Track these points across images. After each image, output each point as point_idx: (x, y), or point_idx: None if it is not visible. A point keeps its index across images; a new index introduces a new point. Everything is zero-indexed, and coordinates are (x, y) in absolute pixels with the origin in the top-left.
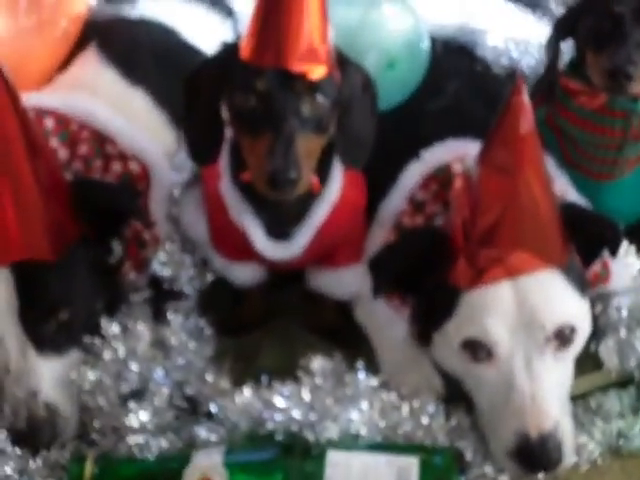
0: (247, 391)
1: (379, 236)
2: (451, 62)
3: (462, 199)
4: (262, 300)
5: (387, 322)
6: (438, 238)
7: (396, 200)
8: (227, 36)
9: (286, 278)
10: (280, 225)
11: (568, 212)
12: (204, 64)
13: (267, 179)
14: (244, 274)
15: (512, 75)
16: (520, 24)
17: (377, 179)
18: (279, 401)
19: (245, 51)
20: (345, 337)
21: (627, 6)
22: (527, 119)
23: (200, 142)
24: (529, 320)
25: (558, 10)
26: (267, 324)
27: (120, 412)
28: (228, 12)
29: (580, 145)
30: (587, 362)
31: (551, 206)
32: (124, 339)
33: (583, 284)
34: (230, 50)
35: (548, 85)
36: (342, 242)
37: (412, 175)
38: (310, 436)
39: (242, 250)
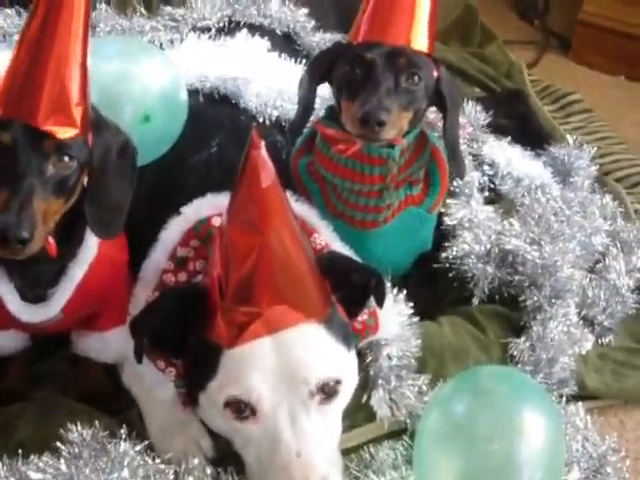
0: (2, 466)
1: (142, 295)
2: (214, 113)
3: (216, 255)
4: (24, 368)
5: (153, 385)
6: (197, 296)
7: (158, 257)
8: None
9: (51, 343)
10: (35, 287)
11: (330, 263)
12: None
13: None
14: (4, 341)
15: (280, 124)
16: (287, 73)
17: (140, 236)
18: (35, 475)
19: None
20: (111, 402)
21: (378, 53)
22: (267, 173)
23: None
24: (291, 375)
25: None
26: (29, 393)
27: None
28: None
29: (342, 193)
30: (359, 414)
31: (306, 258)
32: None
33: (347, 335)
34: None
35: (306, 134)
36: (105, 303)
37: (173, 231)
38: None
39: (0, 316)
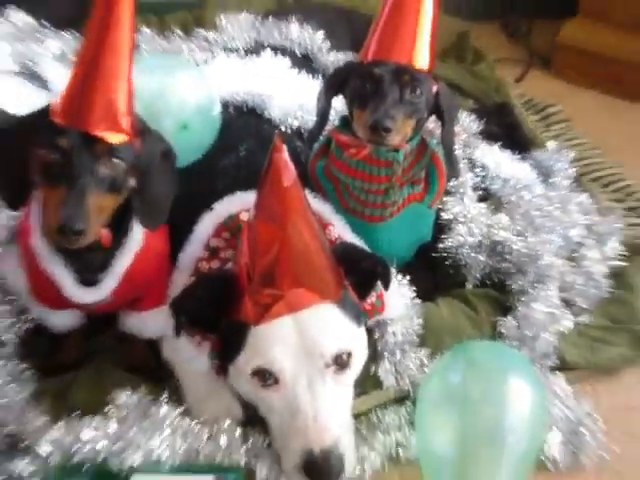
0: (60, 426)
1: (180, 281)
2: (242, 123)
3: (244, 245)
4: (79, 342)
5: (190, 357)
6: (228, 280)
7: (194, 247)
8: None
9: (101, 322)
10: (87, 273)
11: (343, 252)
12: (17, 122)
13: (56, 228)
14: (61, 320)
15: (299, 133)
16: (305, 88)
17: (179, 230)
18: (88, 434)
19: (55, 113)
20: (153, 373)
21: (385, 70)
22: (289, 174)
23: (12, 190)
24: (309, 348)
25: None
26: (83, 364)
27: None
28: (43, 84)
29: (353, 192)
30: (368, 382)
31: (322, 248)
32: None
33: (358, 314)
34: (40, 112)
35: (322, 141)
36: (148, 287)
37: (206, 225)
38: (115, 464)
39: (58, 298)
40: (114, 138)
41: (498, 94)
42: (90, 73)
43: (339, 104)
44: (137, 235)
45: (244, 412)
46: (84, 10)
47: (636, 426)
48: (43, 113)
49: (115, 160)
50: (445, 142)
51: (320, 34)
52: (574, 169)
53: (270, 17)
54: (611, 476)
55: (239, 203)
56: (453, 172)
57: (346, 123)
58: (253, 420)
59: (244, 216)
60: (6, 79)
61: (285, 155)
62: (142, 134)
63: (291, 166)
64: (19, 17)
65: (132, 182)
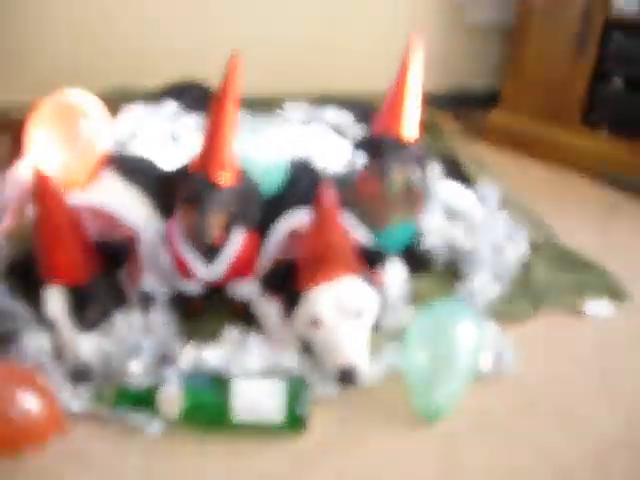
0: (193, 350)
1: (264, 264)
2: (300, 171)
3: (302, 243)
4: (202, 301)
5: (270, 310)
6: (293, 264)
7: (272, 245)
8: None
9: (215, 289)
10: (209, 260)
11: (359, 246)
12: (170, 173)
13: (193, 235)
14: (192, 288)
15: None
16: (335, 149)
17: (264, 232)
18: (209, 354)
19: (191, 167)
20: (249, 319)
21: (389, 140)
22: (329, 199)
23: (166, 210)
24: (342, 304)
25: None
26: (205, 314)
27: (125, 363)
28: (184, 147)
29: (368, 209)
30: (376, 326)
31: (349, 244)
32: (126, 325)
33: (372, 283)
34: (183, 167)
35: (350, 179)
36: (244, 268)
37: (281, 229)
38: (226, 372)
39: (190, 274)
40: (224, 180)
41: (450, 152)
42: (209, 140)
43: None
44: (237, 236)
45: (301, 343)
46: (208, 102)
47: (530, 351)
48: (184, 168)
49: (225, 193)
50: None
51: (345, 115)
52: (497, 196)
53: (314, 104)
54: (515, 381)
55: (300, 218)
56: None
57: (366, 167)
58: (306, 348)
59: (301, 226)
60: (160, 144)
61: (329, 189)
62: (241, 177)
63: (332, 195)
64: (171, 107)
65: (235, 205)
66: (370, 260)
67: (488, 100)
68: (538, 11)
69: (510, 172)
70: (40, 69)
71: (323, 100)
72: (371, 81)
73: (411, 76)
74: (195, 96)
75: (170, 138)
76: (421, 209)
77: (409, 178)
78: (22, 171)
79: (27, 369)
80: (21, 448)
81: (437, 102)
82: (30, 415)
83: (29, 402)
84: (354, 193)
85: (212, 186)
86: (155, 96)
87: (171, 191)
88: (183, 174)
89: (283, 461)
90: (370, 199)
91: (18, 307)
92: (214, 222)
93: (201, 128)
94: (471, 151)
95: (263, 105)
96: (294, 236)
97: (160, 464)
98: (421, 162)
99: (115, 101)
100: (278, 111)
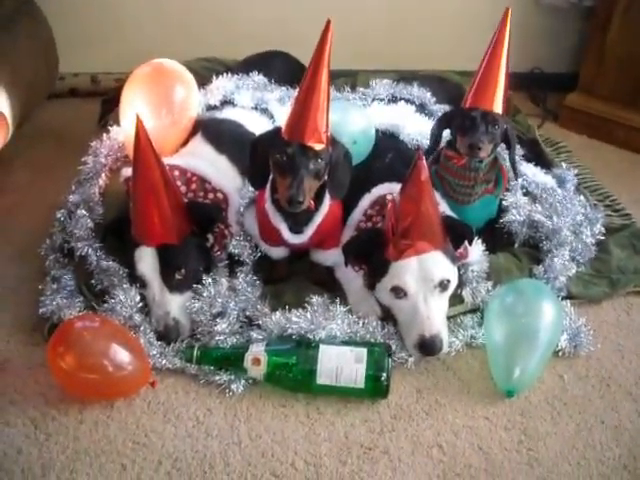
0: (278, 314)
1: (348, 233)
2: (387, 142)
3: (390, 214)
4: (286, 266)
5: (352, 278)
6: (379, 234)
7: (358, 214)
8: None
9: (299, 255)
10: (296, 225)
11: (446, 221)
12: (260, 136)
13: (286, 200)
14: (277, 252)
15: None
16: (422, 123)
17: (349, 202)
18: (294, 320)
19: (284, 132)
20: (331, 286)
21: (477, 113)
22: (424, 172)
23: (256, 177)
24: (426, 276)
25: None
26: (289, 279)
27: (211, 323)
28: (271, 117)
29: (452, 185)
30: (456, 299)
31: (438, 217)
32: (214, 286)
33: (454, 258)
34: (275, 130)
35: (434, 155)
36: (330, 235)
37: (365, 201)
38: (311, 337)
39: (277, 239)
40: (318, 147)
41: (529, 134)
42: (303, 105)
43: (446, 133)
44: (326, 204)
45: (383, 312)
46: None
47: (605, 332)
48: (277, 131)
49: (319, 160)
50: (510, 159)
51: (429, 93)
52: (576, 180)
53: (401, 81)
54: (591, 360)
55: (386, 189)
56: (514, 176)
57: (451, 144)
58: (388, 317)
59: (389, 197)
60: (248, 112)
61: (424, 162)
62: (333, 144)
63: (426, 168)
64: (257, 77)
65: (327, 172)
66: (454, 233)
67: (566, 82)
68: None
69: (587, 156)
70: (129, 42)
71: (407, 77)
72: (443, 60)
73: (504, 51)
74: (280, 66)
75: (257, 108)
76: (505, 186)
77: (494, 153)
78: (117, 134)
79: (120, 325)
80: (113, 398)
81: (514, 83)
82: (123, 368)
83: (122, 356)
84: (439, 167)
85: (307, 152)
86: (242, 67)
87: (263, 156)
88: (276, 140)
89: (361, 428)
90: (455, 174)
91: (113, 265)
92: (307, 188)
93: (287, 98)
94: (548, 134)
95: (346, 81)
96: (379, 206)
97: (242, 423)
98: (509, 138)
99: (203, 71)
100: (365, 89)
